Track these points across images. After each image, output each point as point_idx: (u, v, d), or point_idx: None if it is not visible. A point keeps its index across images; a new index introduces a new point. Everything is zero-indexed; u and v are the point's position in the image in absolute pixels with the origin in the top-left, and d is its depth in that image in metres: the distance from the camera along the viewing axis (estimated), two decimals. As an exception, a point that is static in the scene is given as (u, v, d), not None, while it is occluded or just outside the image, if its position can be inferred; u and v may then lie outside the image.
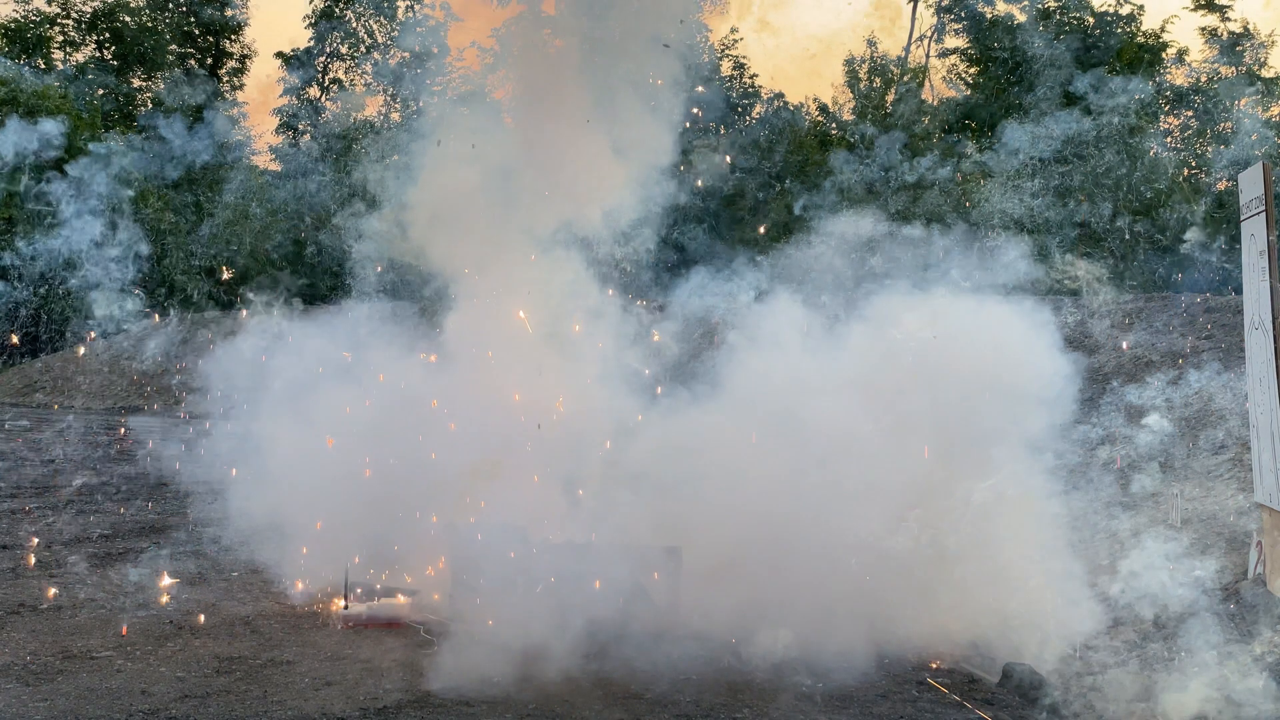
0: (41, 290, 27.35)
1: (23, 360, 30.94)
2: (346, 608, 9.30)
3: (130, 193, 25.40)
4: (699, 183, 28.74)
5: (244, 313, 13.78)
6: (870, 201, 27.43)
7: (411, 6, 41.64)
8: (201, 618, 9.35)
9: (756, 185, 34.54)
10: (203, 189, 35.72)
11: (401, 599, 9.52)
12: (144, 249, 28.70)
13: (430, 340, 11.73)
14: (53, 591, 10.06)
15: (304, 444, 11.00)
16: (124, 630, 8.86)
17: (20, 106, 24.57)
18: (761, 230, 31.37)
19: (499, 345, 10.88)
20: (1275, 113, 32.56)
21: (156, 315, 29.14)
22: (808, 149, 35.60)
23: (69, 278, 20.10)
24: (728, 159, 33.18)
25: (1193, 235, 26.63)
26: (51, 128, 21.04)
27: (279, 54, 42.51)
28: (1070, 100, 30.05)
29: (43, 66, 37.46)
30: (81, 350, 29.02)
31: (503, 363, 10.81)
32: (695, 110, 11.91)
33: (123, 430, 21.65)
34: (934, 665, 8.61)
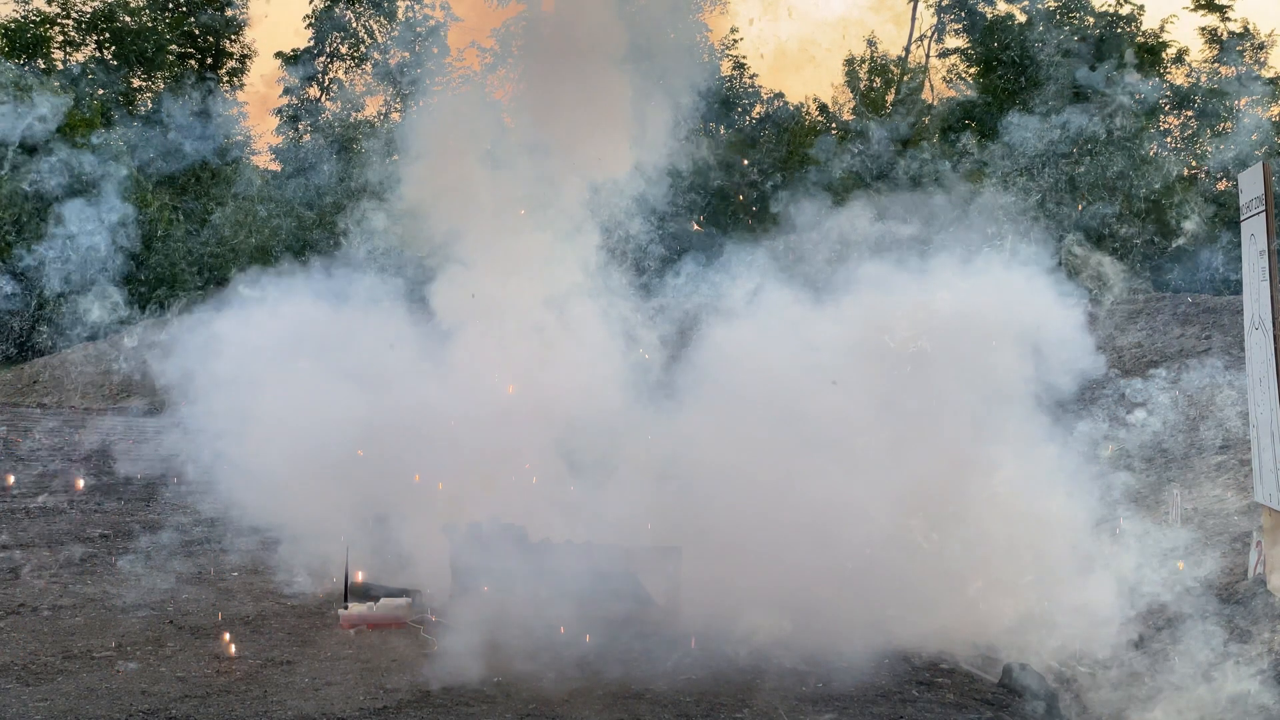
0: (40, 290, 27.34)
1: (20, 361, 30.90)
2: (346, 608, 9.30)
3: (124, 171, 25.29)
4: (698, 178, 28.73)
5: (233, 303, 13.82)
6: (868, 195, 27.40)
7: (412, 6, 41.63)
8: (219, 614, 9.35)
9: (748, 182, 34.53)
10: (206, 187, 35.73)
11: (401, 599, 9.51)
12: (140, 248, 28.69)
13: (431, 336, 11.74)
14: (51, 592, 10.06)
15: (302, 442, 11.01)
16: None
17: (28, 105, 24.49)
18: (755, 222, 31.40)
19: (495, 342, 10.90)
20: (1275, 113, 32.57)
21: (153, 314, 29.12)
22: (807, 148, 35.61)
23: (63, 276, 20.07)
24: (722, 156, 33.19)
25: (1192, 235, 26.63)
26: (45, 105, 20.88)
27: (279, 54, 42.52)
28: (1079, 98, 30.01)
29: (43, 67, 37.42)
30: (76, 350, 28.99)
31: (500, 360, 10.82)
32: (694, 106, 11.93)
33: (120, 430, 21.64)
34: (934, 665, 8.60)
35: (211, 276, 33.31)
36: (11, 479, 11.67)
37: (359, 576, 9.36)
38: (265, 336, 12.30)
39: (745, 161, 34.68)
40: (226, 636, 8.45)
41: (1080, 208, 27.41)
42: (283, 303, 13.06)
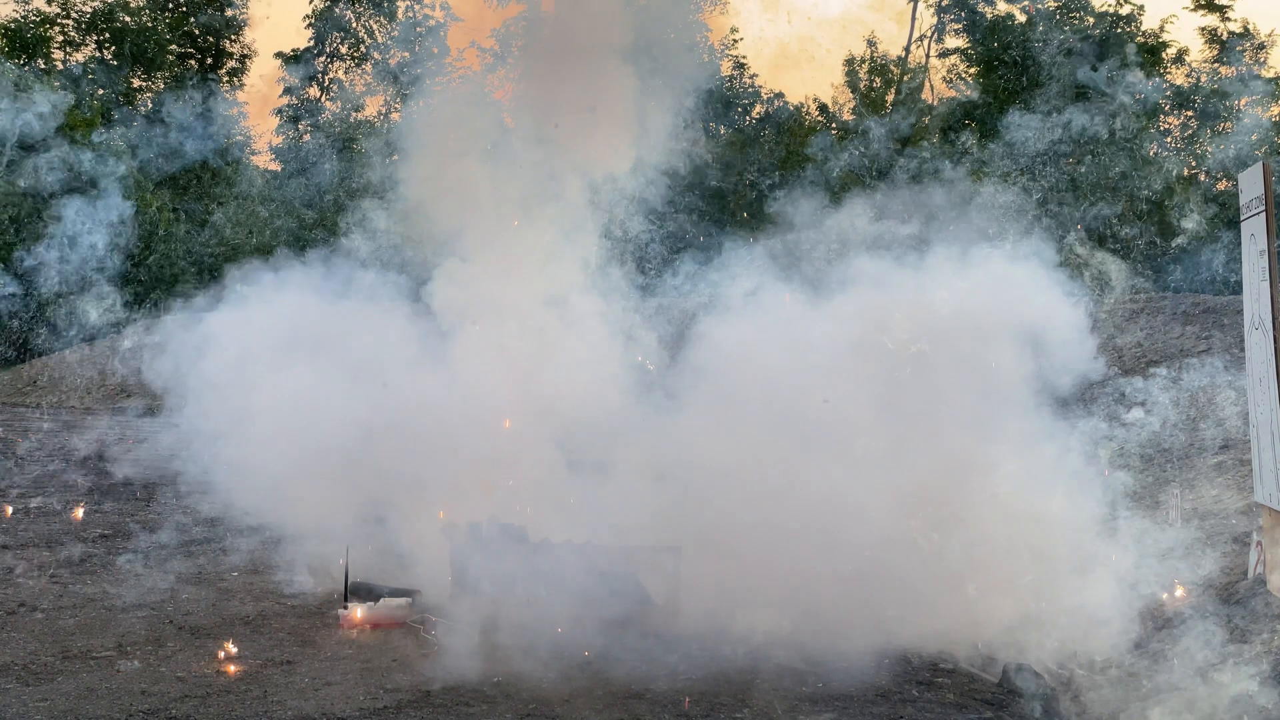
0: (39, 291, 27.32)
1: (19, 363, 30.89)
2: (346, 608, 9.30)
3: (124, 171, 25.24)
4: (697, 178, 28.71)
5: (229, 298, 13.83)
6: (867, 194, 27.38)
7: (411, 6, 41.65)
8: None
9: (747, 182, 34.54)
10: (206, 187, 35.74)
11: (401, 599, 9.51)
12: (140, 248, 28.64)
13: (430, 336, 11.74)
14: (51, 592, 10.06)
15: (302, 442, 11.01)
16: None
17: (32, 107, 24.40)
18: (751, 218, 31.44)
19: (495, 342, 10.90)
20: (1275, 113, 32.59)
21: (150, 314, 29.09)
22: (806, 148, 35.61)
23: (62, 276, 20.05)
24: (722, 156, 33.22)
25: (1193, 235, 26.64)
26: (45, 103, 20.78)
27: (279, 54, 42.55)
28: (1080, 98, 30.01)
29: (43, 67, 37.44)
30: (75, 350, 28.99)
31: (500, 359, 10.83)
32: (694, 106, 11.97)
33: (119, 430, 21.64)
34: (934, 665, 8.60)
35: (212, 277, 33.33)
36: (10, 510, 11.68)
37: (357, 614, 9.29)
38: (264, 336, 12.30)
39: (745, 164, 34.69)
40: (223, 654, 8.35)
41: (1080, 226, 27.36)
42: (282, 302, 13.05)
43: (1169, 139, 34.13)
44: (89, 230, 19.60)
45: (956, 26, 38.80)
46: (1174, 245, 28.00)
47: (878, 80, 38.05)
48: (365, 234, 14.47)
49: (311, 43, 42.56)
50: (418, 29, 39.47)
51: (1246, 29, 35.68)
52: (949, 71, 39.55)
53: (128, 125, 35.18)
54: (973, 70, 38.22)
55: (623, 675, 8.01)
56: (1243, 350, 9.83)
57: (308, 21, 42.51)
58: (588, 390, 10.90)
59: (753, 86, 40.04)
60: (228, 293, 14.14)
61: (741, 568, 9.16)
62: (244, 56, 43.88)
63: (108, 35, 40.50)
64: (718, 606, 9.11)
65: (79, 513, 11.51)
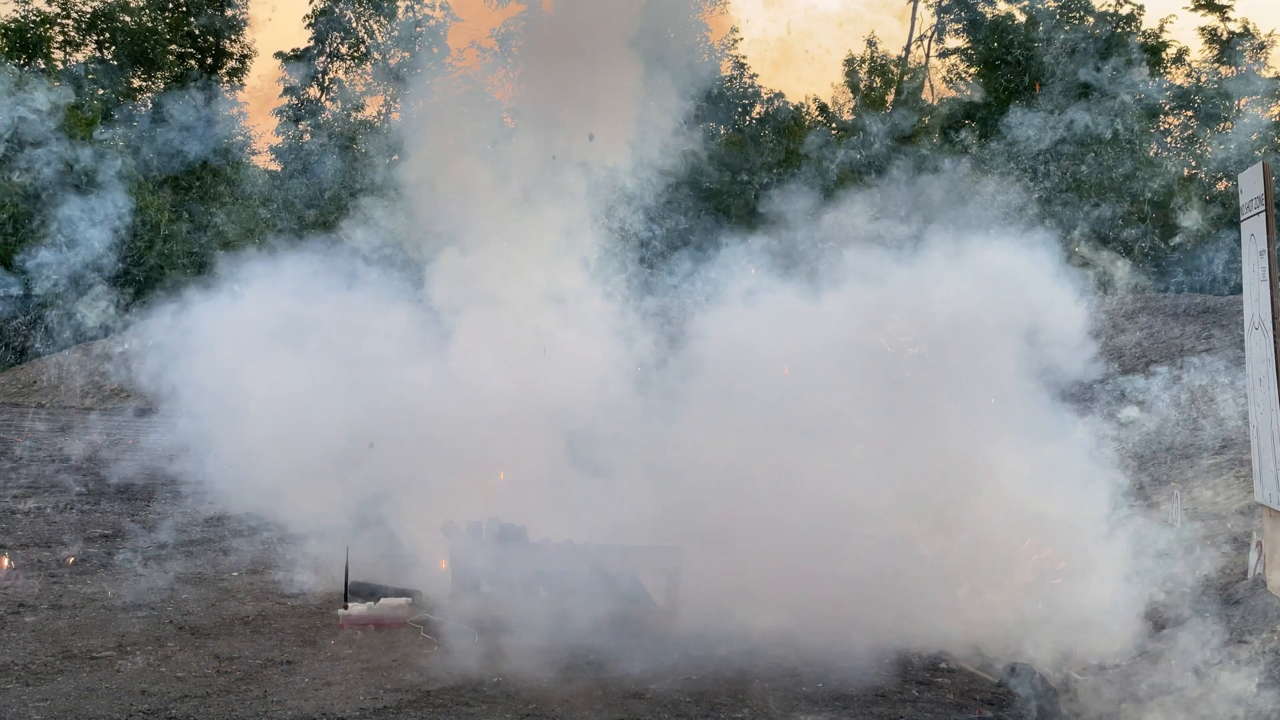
0: (39, 292, 27.28)
1: (18, 364, 30.88)
2: (346, 608, 9.29)
3: (125, 171, 25.19)
4: (697, 177, 28.71)
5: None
6: (869, 193, 27.33)
7: (411, 6, 41.63)
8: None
9: (746, 181, 34.54)
10: (207, 187, 35.74)
11: (401, 599, 9.51)
12: (141, 248, 28.60)
13: (430, 338, 11.74)
14: (51, 592, 10.05)
15: (302, 443, 11.01)
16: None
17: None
18: (750, 216, 31.45)
19: (495, 344, 10.91)
20: (1275, 113, 32.59)
21: (145, 315, 29.04)
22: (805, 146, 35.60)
23: (62, 277, 20.03)
24: (721, 155, 33.22)
25: (1193, 235, 26.64)
26: (44, 101, 20.72)
27: (279, 54, 42.54)
28: (1081, 98, 30.00)
29: (43, 67, 37.43)
30: (75, 351, 28.99)
31: (500, 361, 10.83)
32: (694, 106, 11.99)
33: (118, 430, 21.64)
34: (934, 665, 8.60)
35: (208, 273, 33.24)
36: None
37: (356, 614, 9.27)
38: (265, 337, 12.29)
39: (745, 164, 34.70)
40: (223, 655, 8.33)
41: (1080, 242, 27.35)
42: (282, 301, 13.03)
43: (1169, 139, 34.14)
44: (88, 231, 19.60)
45: (957, 26, 38.81)
46: (1174, 245, 28.01)
47: (878, 80, 38.05)
48: (366, 232, 14.47)
49: (311, 43, 42.55)
50: (418, 29, 39.45)
51: (1246, 29, 35.70)
52: (949, 71, 39.57)
53: (128, 125, 35.17)
54: (973, 70, 38.22)
55: (623, 675, 8.01)
56: (1243, 350, 9.82)
57: (308, 21, 42.49)
58: (587, 390, 10.90)
59: (753, 86, 40.04)
60: (228, 295, 14.10)
61: (741, 567, 9.16)
62: (244, 56, 43.85)
63: (108, 35, 40.48)
64: (718, 606, 9.11)
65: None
